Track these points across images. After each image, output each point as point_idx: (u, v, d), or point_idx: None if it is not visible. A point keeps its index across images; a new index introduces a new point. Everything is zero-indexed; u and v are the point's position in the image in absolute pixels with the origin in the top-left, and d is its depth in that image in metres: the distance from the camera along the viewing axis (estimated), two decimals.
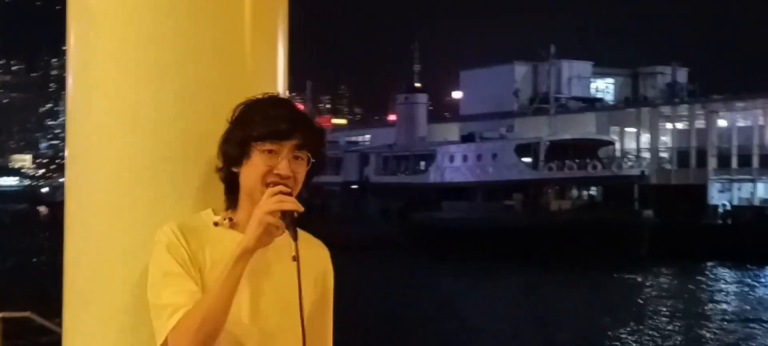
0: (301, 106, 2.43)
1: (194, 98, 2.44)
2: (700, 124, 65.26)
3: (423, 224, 55.70)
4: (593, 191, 59.64)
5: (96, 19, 2.49)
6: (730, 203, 59.57)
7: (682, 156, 65.20)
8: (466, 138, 63.77)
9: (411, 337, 28.57)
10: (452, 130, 76.20)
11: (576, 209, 55.57)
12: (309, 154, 2.29)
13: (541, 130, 62.91)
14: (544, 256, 45.96)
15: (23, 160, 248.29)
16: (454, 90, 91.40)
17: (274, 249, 2.24)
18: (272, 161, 2.24)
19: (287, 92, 2.69)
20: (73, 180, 2.56)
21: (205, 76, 2.46)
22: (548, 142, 57.51)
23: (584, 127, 66.43)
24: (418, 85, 77.94)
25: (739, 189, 61.47)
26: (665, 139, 67.81)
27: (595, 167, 56.38)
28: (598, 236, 47.91)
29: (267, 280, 2.27)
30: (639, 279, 43.22)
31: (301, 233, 2.39)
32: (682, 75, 77.64)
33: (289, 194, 2.22)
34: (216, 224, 2.30)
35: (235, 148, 2.26)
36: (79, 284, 2.50)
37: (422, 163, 63.77)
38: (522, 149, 58.17)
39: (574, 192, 58.34)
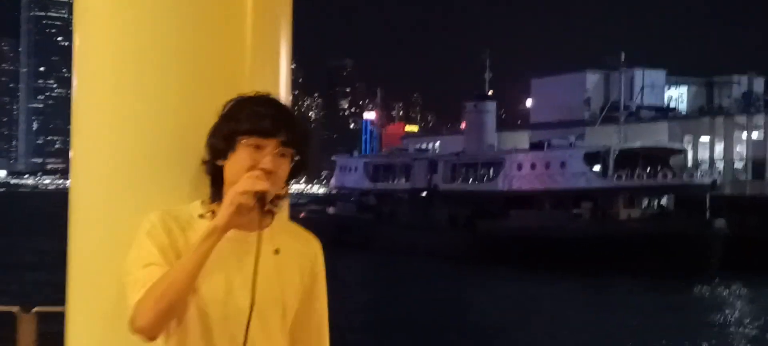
0: (287, 106, 2.50)
1: (193, 96, 2.53)
2: None
3: (490, 232, 55.46)
4: (664, 200, 58.68)
5: (100, 22, 2.60)
6: None
7: (757, 167, 63.81)
8: (535, 146, 63.37)
9: (472, 343, 28.50)
10: (522, 139, 75.79)
11: (646, 218, 54.64)
12: (293, 153, 2.34)
13: (612, 138, 62.19)
14: (612, 266, 45.37)
15: None
16: (525, 98, 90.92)
17: (257, 241, 2.29)
18: (257, 156, 2.30)
19: (289, 93, 2.76)
20: (77, 175, 2.66)
21: (205, 76, 2.54)
22: (618, 151, 56.75)
23: (657, 136, 65.49)
24: (489, 92, 77.75)
25: None
26: (740, 150, 66.49)
27: (665, 176, 55.43)
28: (667, 246, 47.11)
29: (248, 267, 2.31)
30: (711, 293, 42.35)
31: (291, 225, 2.51)
32: (758, 84, 76.10)
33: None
34: (201, 216, 2.37)
35: (221, 141, 2.34)
36: (81, 272, 2.61)
37: (490, 170, 63.54)
38: (591, 157, 57.44)
39: (644, 201, 57.46)
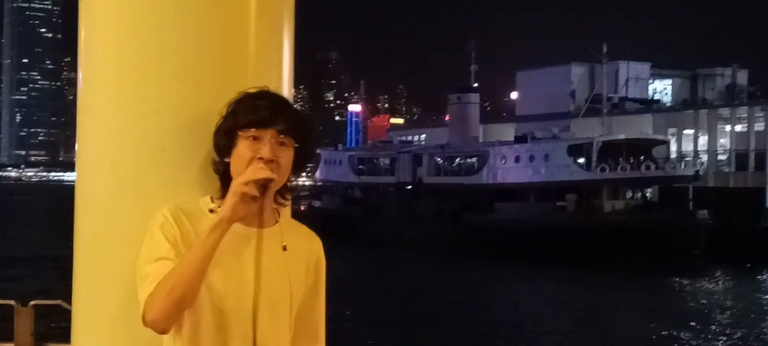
0: (287, 98, 2.56)
1: (198, 92, 2.56)
2: (759, 126, 64.17)
3: (476, 225, 55.52)
4: (647, 191, 58.95)
5: (105, 17, 2.63)
6: None
7: (740, 159, 64.15)
8: (520, 139, 63.40)
9: (460, 335, 28.61)
10: (508, 131, 75.71)
11: (630, 210, 54.84)
12: (293, 141, 2.38)
13: (597, 131, 62.31)
14: (597, 257, 45.56)
15: None
16: (511, 91, 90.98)
17: (267, 237, 2.38)
18: (256, 147, 2.34)
19: (292, 86, 2.79)
20: (83, 171, 2.69)
21: (209, 71, 2.57)
22: (601, 143, 56.82)
23: (641, 128, 65.62)
24: (474, 85, 77.61)
25: None
26: (724, 142, 66.81)
27: (648, 168, 55.61)
28: (651, 237, 47.32)
29: (257, 263, 2.38)
30: (694, 282, 42.56)
31: (295, 223, 2.55)
32: (742, 76, 76.27)
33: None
34: (211, 210, 2.41)
35: (223, 138, 2.39)
36: (87, 267, 2.64)
37: (475, 163, 63.56)
38: (574, 150, 57.50)
39: (628, 193, 57.71)
